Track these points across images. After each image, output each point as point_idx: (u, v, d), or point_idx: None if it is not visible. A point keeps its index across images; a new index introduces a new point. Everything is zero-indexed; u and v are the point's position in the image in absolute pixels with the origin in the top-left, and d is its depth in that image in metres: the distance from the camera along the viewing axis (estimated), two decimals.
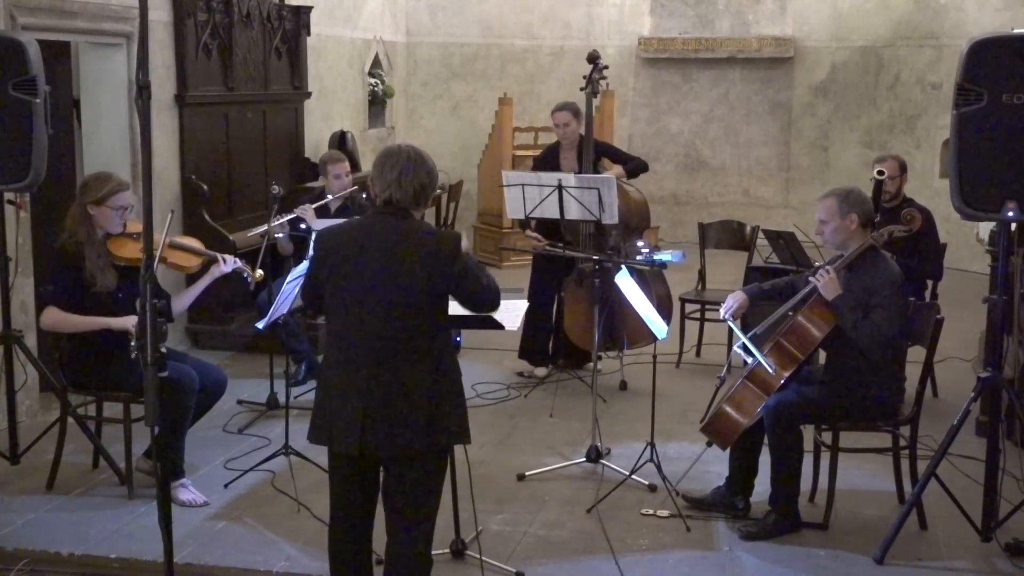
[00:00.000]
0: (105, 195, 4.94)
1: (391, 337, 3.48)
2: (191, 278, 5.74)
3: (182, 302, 5.38)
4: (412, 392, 3.49)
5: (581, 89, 7.02)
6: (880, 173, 6.27)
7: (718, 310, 7.33)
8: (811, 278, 4.74)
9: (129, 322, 4.77)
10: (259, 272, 5.40)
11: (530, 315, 6.99)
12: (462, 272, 3.53)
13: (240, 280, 5.40)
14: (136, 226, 5.10)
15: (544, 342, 7.11)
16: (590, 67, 6.97)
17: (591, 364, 7.05)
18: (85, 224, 4.97)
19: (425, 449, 3.53)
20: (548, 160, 7.04)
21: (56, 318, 4.95)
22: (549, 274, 6.93)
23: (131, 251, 4.98)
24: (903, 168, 6.49)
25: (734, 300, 4.98)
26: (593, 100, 6.98)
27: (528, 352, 7.10)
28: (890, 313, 4.56)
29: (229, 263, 5.25)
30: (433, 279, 3.48)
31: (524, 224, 6.74)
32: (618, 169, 7.00)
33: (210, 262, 5.28)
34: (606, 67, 7.05)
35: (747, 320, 5.52)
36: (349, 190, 6.95)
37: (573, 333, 6.91)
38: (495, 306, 3.70)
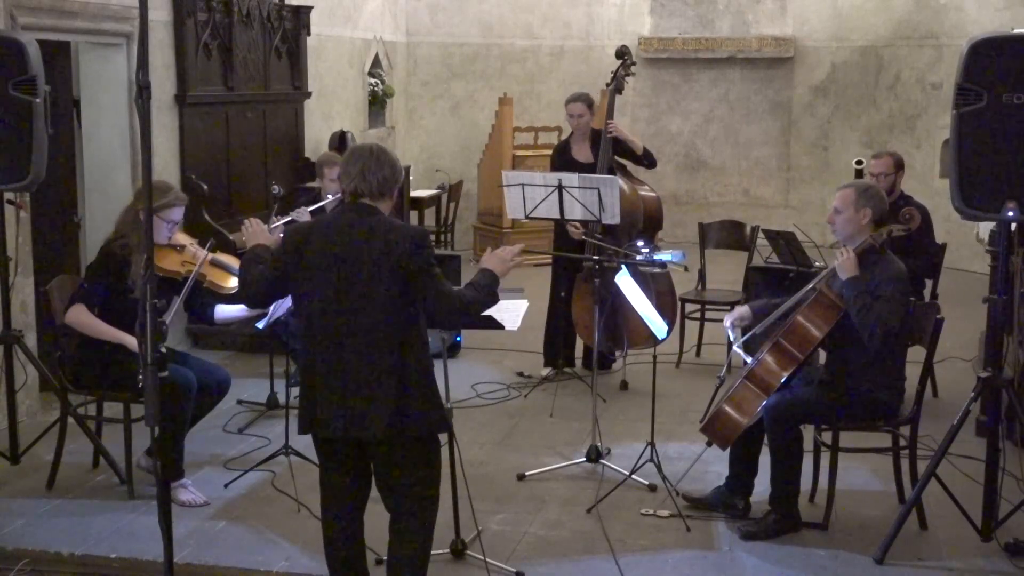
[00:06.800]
0: (160, 207, 4.89)
1: (361, 328, 3.56)
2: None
3: (226, 314, 5.26)
4: (381, 380, 3.56)
5: (607, 84, 6.98)
6: (859, 163, 6.28)
7: (718, 310, 7.46)
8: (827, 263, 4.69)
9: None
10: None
11: (548, 316, 7.02)
12: (425, 268, 3.58)
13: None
14: (181, 238, 5.10)
15: (567, 342, 7.02)
16: (617, 62, 6.91)
17: (614, 362, 7.08)
18: (137, 229, 4.90)
19: (393, 434, 3.59)
20: (564, 153, 7.01)
21: (80, 318, 4.93)
22: (564, 275, 6.91)
23: (171, 262, 4.97)
24: (899, 165, 6.46)
25: (737, 313, 4.99)
26: (617, 97, 6.94)
27: (554, 356, 7.02)
28: (894, 305, 4.55)
29: None
30: (397, 272, 3.55)
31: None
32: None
33: None
34: (634, 63, 7.01)
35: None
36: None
37: (579, 328, 6.90)
38: (459, 317, 3.71)
